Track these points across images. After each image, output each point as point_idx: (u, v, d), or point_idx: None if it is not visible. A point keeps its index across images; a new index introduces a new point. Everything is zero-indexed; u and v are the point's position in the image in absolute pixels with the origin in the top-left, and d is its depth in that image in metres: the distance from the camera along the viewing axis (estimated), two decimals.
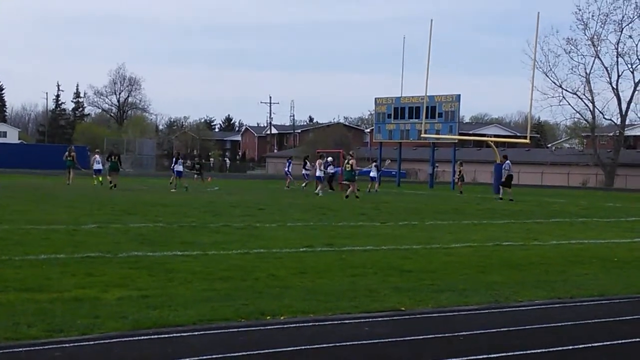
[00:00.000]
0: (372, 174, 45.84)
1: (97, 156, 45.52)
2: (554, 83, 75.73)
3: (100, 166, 44.13)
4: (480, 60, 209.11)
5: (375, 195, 40.97)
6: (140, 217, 21.24)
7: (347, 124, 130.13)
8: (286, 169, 48.37)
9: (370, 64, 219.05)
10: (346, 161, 36.84)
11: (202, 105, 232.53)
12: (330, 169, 45.77)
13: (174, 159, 42.33)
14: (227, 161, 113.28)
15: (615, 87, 75.30)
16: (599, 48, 74.64)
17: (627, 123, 78.82)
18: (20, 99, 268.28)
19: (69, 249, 13.69)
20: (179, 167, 40.68)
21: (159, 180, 57.18)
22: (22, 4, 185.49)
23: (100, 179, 42.58)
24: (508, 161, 39.62)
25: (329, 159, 46.60)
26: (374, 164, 47.29)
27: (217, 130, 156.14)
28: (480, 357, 7.26)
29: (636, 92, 74.78)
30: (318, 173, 41.43)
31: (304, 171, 46.82)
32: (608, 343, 8.03)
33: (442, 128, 57.54)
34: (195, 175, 44.47)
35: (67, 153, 43.50)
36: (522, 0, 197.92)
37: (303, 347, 7.42)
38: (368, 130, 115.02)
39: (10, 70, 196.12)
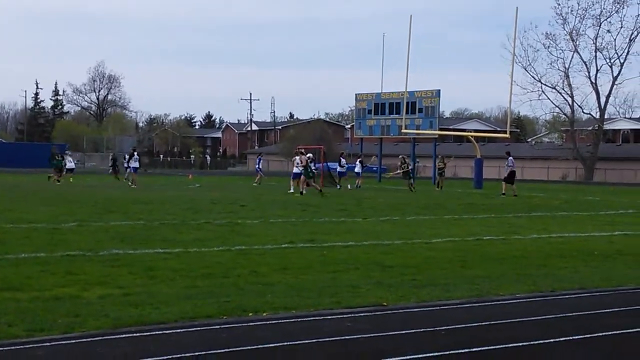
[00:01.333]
0: (356, 170, 45.96)
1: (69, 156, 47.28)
2: (534, 78, 76.10)
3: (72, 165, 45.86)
4: (460, 55, 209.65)
5: (358, 190, 40.96)
6: (121, 215, 21.16)
7: (327, 120, 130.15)
8: (257, 166, 48.40)
9: (350, 60, 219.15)
10: (298, 158, 36.48)
11: (183, 102, 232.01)
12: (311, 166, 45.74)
13: (128, 156, 43.74)
14: (208, 158, 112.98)
15: (594, 81, 75.83)
16: (577, 43, 75.13)
17: (605, 117, 79.36)
18: None
19: (49, 248, 13.62)
20: (135, 164, 42.04)
21: (140, 177, 56.89)
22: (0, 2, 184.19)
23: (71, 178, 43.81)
24: (511, 157, 40.12)
25: (309, 155, 46.58)
26: (359, 159, 47.24)
27: (197, 127, 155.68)
28: (463, 351, 7.29)
29: (614, 87, 75.35)
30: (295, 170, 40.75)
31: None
32: (589, 335, 8.08)
33: (422, 123, 57.65)
34: (110, 171, 44.91)
35: (51, 155, 44.74)
36: None
37: (285, 343, 7.43)
38: (349, 126, 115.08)
39: None
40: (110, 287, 10.03)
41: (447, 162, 48.51)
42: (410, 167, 44.65)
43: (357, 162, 46.67)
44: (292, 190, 35.78)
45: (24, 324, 7.84)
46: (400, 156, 45.89)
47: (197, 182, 48.06)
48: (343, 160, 46.01)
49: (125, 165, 43.78)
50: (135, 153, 42.88)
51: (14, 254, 12.78)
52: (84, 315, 8.29)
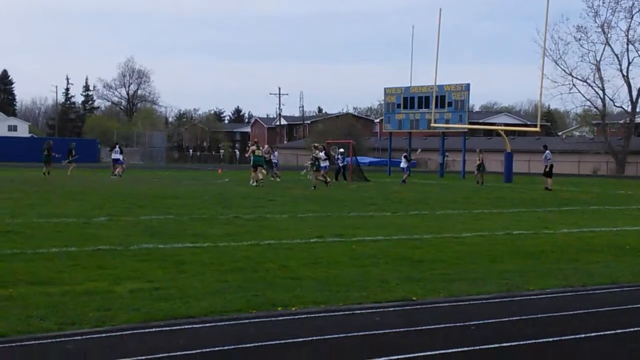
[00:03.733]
0: (402, 165, 45.62)
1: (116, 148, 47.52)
2: (564, 71, 75.48)
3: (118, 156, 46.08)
4: (490, 48, 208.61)
5: (403, 185, 40.71)
6: (151, 209, 21.28)
7: (356, 114, 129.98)
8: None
9: (379, 54, 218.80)
10: (254, 147, 36.48)
11: (212, 97, 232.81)
12: (340, 160, 45.76)
13: (110, 148, 45.38)
14: (237, 152, 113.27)
15: (625, 74, 75.04)
16: (609, 35, 74.36)
17: (637, 110, 78.49)
18: (30, 93, 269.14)
19: (80, 242, 13.73)
20: (117, 155, 43.44)
21: (170, 172, 57.27)
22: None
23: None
24: (548, 151, 39.78)
25: (340, 150, 46.57)
26: (404, 154, 46.81)
27: (226, 122, 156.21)
28: (492, 346, 7.25)
29: None
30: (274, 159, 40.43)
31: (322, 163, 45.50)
32: (620, 331, 8.00)
33: (451, 117, 57.38)
34: (65, 162, 45.61)
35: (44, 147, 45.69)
36: None
37: (314, 338, 7.43)
38: (377, 120, 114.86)
39: (20, 65, 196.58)
40: (141, 282, 10.09)
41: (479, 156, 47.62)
42: (410, 161, 45.19)
43: (402, 157, 46.15)
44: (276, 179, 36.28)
45: (56, 318, 7.91)
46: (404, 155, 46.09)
47: (226, 176, 48.16)
48: (340, 155, 45.06)
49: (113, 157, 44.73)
50: (117, 146, 44.49)
51: (45, 248, 12.89)
52: (115, 309, 8.35)
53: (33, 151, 46.40)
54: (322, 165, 38.18)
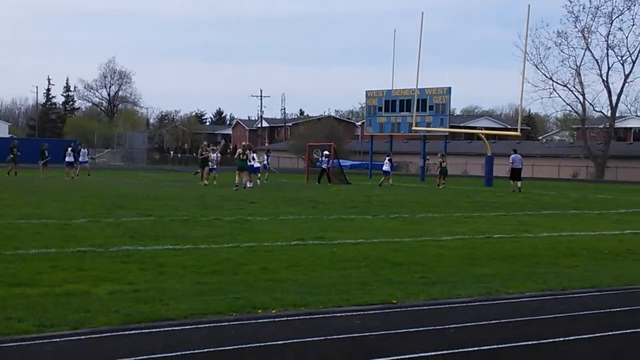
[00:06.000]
0: (385, 168, 45.54)
1: (84, 149, 48.46)
2: (545, 75, 75.91)
3: (86, 158, 47.70)
4: (471, 52, 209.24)
5: (384, 188, 40.72)
6: (131, 210, 21.20)
7: (338, 117, 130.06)
8: (264, 162, 48.03)
9: (361, 56, 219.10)
10: (241, 151, 36.50)
11: (193, 98, 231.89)
12: (325, 163, 45.78)
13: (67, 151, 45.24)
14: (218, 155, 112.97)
15: (605, 79, 75.53)
16: (589, 40, 74.86)
17: (617, 115, 79.04)
18: (10, 93, 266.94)
19: (60, 243, 13.66)
20: (70, 159, 44.33)
21: (151, 174, 57.10)
22: None
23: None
24: (515, 155, 42.15)
25: (325, 152, 46.59)
26: (387, 157, 46.77)
27: (208, 123, 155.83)
28: (472, 349, 7.28)
29: (626, 84, 75.10)
30: (256, 165, 39.99)
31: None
32: (599, 334, 8.05)
33: (433, 121, 57.58)
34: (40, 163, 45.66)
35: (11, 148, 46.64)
36: None
37: (295, 340, 7.43)
38: (359, 123, 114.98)
39: (0, 65, 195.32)
40: (121, 283, 10.05)
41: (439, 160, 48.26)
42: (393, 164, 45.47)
43: (386, 160, 46.06)
44: (250, 185, 36.16)
45: (34, 320, 7.86)
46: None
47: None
48: (254, 155, 43.83)
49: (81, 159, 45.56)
50: (69, 149, 45.03)
51: (24, 249, 12.82)
52: (94, 311, 8.31)
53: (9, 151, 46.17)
54: (255, 166, 38.54)
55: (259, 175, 40.49)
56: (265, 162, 47.45)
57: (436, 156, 49.81)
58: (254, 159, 39.30)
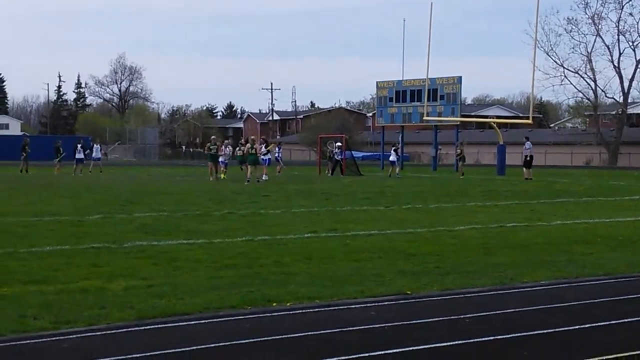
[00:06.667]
0: (391, 158, 45.47)
1: (97, 145, 48.96)
2: (556, 62, 75.62)
3: (99, 154, 48.06)
4: (481, 41, 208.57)
5: (397, 179, 40.71)
6: (144, 206, 21.25)
7: (349, 108, 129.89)
8: (277, 155, 47.96)
9: (371, 47, 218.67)
10: (249, 145, 36.51)
11: (204, 93, 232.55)
12: (337, 155, 45.75)
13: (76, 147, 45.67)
14: (229, 148, 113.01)
15: (617, 65, 75.24)
16: (599, 26, 74.51)
17: (629, 101, 78.72)
18: (22, 91, 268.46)
19: (74, 240, 13.70)
20: (80, 155, 44.74)
21: (162, 169, 57.22)
22: None
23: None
24: (529, 142, 42.27)
25: (338, 144, 46.55)
26: (393, 148, 46.74)
27: (219, 117, 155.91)
28: (486, 338, 7.27)
29: (638, 70, 74.68)
30: (221, 159, 39.78)
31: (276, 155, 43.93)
32: (614, 322, 8.03)
33: (444, 110, 57.46)
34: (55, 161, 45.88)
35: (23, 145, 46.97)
36: None
37: (309, 333, 7.44)
38: (370, 114, 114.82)
39: (11, 62, 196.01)
40: (135, 279, 10.08)
41: (463, 148, 48.38)
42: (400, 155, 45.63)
43: (392, 151, 46.01)
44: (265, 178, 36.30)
45: (50, 317, 7.89)
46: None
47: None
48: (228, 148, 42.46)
49: (79, 155, 45.24)
50: (79, 145, 45.36)
51: (39, 246, 12.86)
52: (109, 307, 8.34)
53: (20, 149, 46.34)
54: (264, 158, 38.50)
55: (278, 167, 39.99)
56: (278, 154, 47.42)
57: (450, 146, 49.92)
58: (268, 152, 39.40)
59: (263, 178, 36.41)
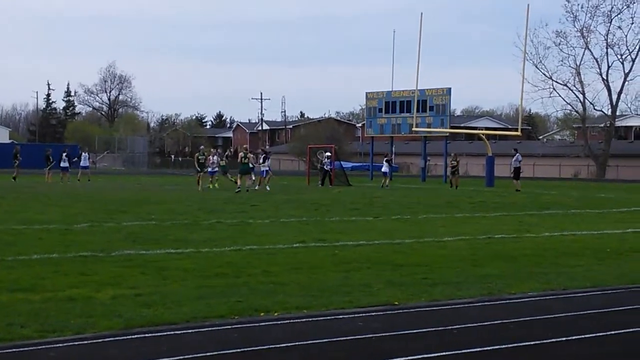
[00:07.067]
0: (384, 169, 45.44)
1: (85, 154, 48.44)
2: (545, 75, 75.90)
3: (87, 163, 47.63)
4: (471, 52, 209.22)
5: (386, 190, 40.73)
6: (133, 215, 21.20)
7: (338, 118, 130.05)
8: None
9: (361, 58, 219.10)
10: (242, 154, 36.53)
11: (193, 102, 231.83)
12: (327, 164, 45.74)
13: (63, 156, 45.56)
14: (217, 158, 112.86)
15: (605, 78, 75.56)
16: (588, 39, 74.89)
17: (617, 114, 79.03)
18: (11, 99, 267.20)
19: (62, 249, 13.66)
20: (65, 164, 44.64)
21: (152, 178, 57.13)
22: (10, 3, 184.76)
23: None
24: (518, 154, 42.82)
25: (327, 154, 46.56)
26: (385, 158, 46.67)
27: (208, 127, 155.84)
28: (474, 350, 7.28)
29: (626, 83, 75.11)
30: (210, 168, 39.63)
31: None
32: (602, 334, 8.05)
33: (433, 121, 57.58)
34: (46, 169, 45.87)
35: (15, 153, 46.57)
36: None
37: (297, 343, 7.43)
38: (359, 124, 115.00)
39: (0, 70, 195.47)
40: (123, 288, 10.05)
41: (459, 160, 48.17)
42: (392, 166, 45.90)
43: (384, 162, 45.95)
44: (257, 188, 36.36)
45: (37, 325, 7.86)
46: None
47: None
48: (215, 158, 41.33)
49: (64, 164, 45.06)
50: (64, 154, 45.16)
51: (26, 255, 12.82)
52: (97, 316, 8.31)
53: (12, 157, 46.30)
54: (263, 169, 38.64)
55: (267, 178, 39.65)
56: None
57: (439, 157, 49.90)
58: (262, 162, 39.50)
59: (256, 187, 36.48)
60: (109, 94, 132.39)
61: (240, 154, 36.78)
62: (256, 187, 36.92)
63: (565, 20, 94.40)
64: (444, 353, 7.14)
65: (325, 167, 46.07)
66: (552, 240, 16.69)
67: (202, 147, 44.48)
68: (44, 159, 45.49)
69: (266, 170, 39.46)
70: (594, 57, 75.86)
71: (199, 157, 38.76)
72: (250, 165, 37.33)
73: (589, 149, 76.03)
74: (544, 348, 7.46)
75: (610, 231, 19.05)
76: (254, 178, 37.37)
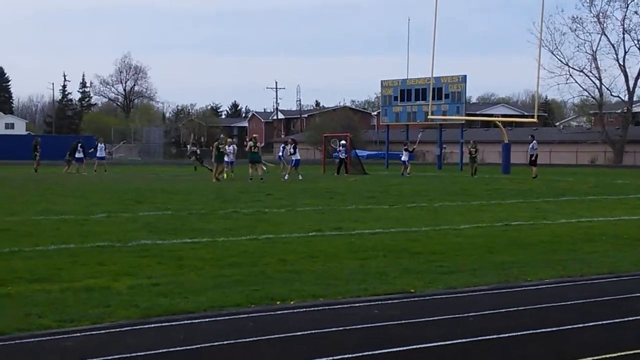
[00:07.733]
0: (403, 158, 45.41)
1: (101, 144, 48.52)
2: (561, 61, 75.62)
3: (103, 153, 47.92)
4: (486, 40, 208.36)
5: (407, 178, 40.70)
6: (149, 205, 21.27)
7: (353, 107, 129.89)
8: (279, 154, 47.68)
9: (376, 47, 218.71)
10: (252, 143, 36.55)
11: (209, 92, 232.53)
12: (341, 154, 45.74)
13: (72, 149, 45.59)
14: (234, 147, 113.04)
15: (622, 63, 75.22)
16: (605, 25, 74.49)
17: (634, 99, 78.61)
18: (27, 91, 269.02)
19: (79, 239, 13.72)
20: (80, 154, 44.74)
21: (167, 168, 57.27)
22: None
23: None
24: (535, 141, 42.11)
25: (342, 142, 46.54)
26: (405, 147, 46.60)
27: (223, 116, 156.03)
28: (490, 337, 7.27)
29: None
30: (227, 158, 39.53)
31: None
32: (618, 320, 8.02)
33: (449, 109, 57.47)
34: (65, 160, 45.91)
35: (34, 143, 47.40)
36: None
37: (313, 331, 7.44)
38: (375, 113, 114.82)
39: (16, 62, 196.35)
40: (140, 278, 10.09)
41: (478, 147, 47.47)
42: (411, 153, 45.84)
43: (403, 150, 45.89)
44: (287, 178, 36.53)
45: (55, 315, 7.91)
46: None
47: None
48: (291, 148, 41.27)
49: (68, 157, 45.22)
50: (79, 145, 45.12)
51: (44, 245, 12.89)
52: (114, 306, 8.35)
53: (31, 149, 46.58)
54: (294, 159, 38.81)
55: (296, 168, 39.44)
56: (280, 154, 47.28)
57: (455, 144, 49.67)
58: (292, 152, 39.56)
59: (286, 177, 37.03)
60: (124, 85, 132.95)
61: (250, 143, 36.83)
62: (285, 177, 37.09)
63: (581, 5, 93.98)
64: (460, 340, 7.14)
65: (340, 155, 46.04)
66: (568, 227, 16.63)
67: (222, 136, 44.47)
68: (70, 150, 45.25)
69: (297, 160, 39.50)
70: (611, 43, 75.62)
71: (219, 147, 38.35)
72: (292, 156, 37.62)
73: (606, 135, 75.69)
74: (560, 335, 7.44)
75: (627, 217, 18.96)
76: (265, 168, 37.48)
